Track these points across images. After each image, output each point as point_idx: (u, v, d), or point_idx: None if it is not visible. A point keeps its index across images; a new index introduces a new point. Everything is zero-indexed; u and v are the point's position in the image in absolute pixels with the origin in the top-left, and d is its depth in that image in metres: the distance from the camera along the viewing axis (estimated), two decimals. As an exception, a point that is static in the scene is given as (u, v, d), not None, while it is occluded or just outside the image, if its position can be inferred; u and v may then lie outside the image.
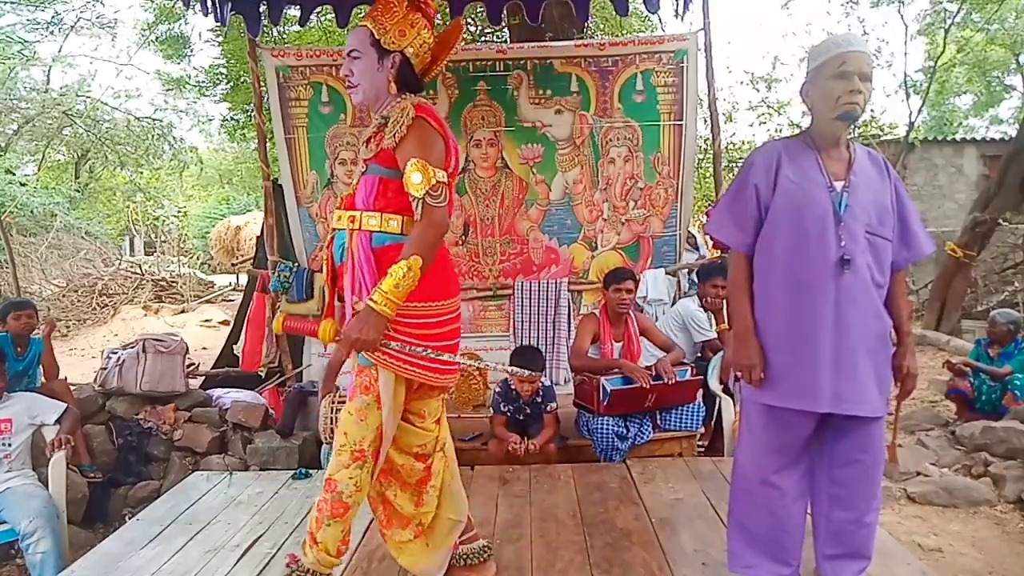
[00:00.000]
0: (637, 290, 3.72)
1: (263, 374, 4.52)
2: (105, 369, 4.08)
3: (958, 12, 12.33)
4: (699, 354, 4.16)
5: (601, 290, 3.68)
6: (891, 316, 1.94)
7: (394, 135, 1.87)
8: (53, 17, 10.97)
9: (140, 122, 13.18)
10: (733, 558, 2.07)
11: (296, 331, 2.16)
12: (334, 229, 2.03)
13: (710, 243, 5.03)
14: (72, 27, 11.95)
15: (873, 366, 1.88)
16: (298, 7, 4.26)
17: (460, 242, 4.72)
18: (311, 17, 4.34)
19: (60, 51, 13.02)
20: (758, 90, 12.79)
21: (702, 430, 3.62)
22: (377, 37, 1.96)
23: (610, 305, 3.56)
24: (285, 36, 8.87)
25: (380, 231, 1.91)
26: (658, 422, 3.49)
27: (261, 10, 4.07)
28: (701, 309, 4.18)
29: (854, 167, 1.93)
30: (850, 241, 1.86)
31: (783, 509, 1.98)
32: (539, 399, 3.41)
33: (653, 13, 5.24)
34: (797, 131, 2.09)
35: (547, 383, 3.48)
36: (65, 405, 3.29)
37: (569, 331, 4.55)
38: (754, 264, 1.98)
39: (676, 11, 4.24)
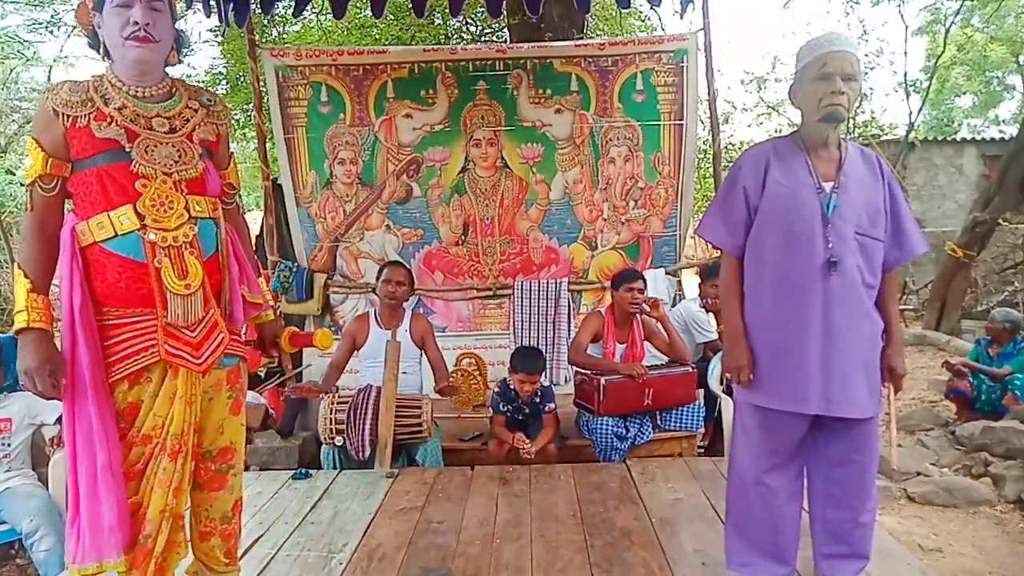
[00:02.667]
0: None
1: (263, 374, 4.52)
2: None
3: (958, 12, 12.34)
4: (700, 355, 4.16)
5: (609, 291, 3.67)
6: (881, 316, 1.93)
7: (224, 124, 1.87)
8: (52, 17, 10.95)
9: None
10: (730, 556, 2.08)
11: (302, 345, 2.09)
12: (193, 218, 1.71)
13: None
14: (73, 27, 11.94)
15: (863, 367, 1.88)
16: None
17: (460, 242, 4.72)
18: (305, 9, 4.31)
19: (61, 51, 13.04)
20: (749, 92, 12.84)
21: (702, 430, 3.62)
22: None
23: (621, 306, 3.53)
24: (284, 36, 8.87)
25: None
26: (658, 422, 3.49)
27: (252, 7, 4.06)
28: (703, 310, 4.18)
29: (844, 167, 1.91)
30: (838, 243, 1.84)
31: (777, 508, 1.99)
32: (538, 399, 3.41)
33: (656, 7, 5.22)
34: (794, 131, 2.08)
35: (546, 383, 3.48)
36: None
37: (569, 331, 4.54)
38: (744, 265, 1.98)
39: (676, 10, 4.25)
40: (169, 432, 1.68)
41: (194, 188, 1.72)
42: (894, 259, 1.95)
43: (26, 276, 1.60)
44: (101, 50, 1.73)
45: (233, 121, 10.72)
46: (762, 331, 1.94)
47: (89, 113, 1.65)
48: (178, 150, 1.71)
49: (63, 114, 1.63)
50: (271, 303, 2.00)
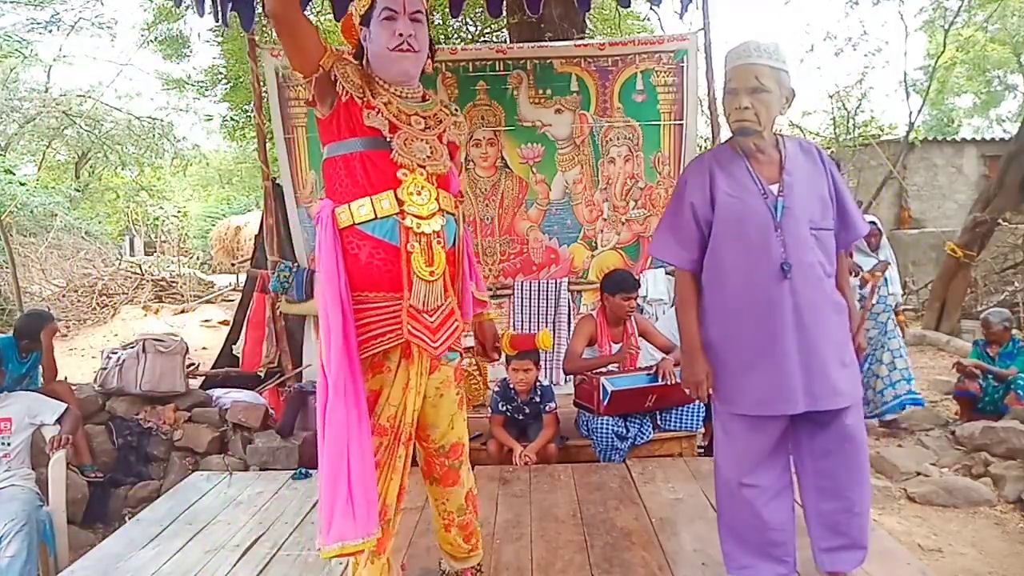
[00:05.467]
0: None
1: (263, 374, 4.52)
2: (105, 369, 4.08)
3: (959, 11, 12.32)
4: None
5: (599, 292, 3.67)
6: None
7: (463, 136, 1.96)
8: (52, 16, 10.95)
9: (141, 122, 13.17)
10: (728, 560, 2.08)
11: (524, 348, 2.14)
12: (443, 211, 1.80)
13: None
14: (72, 27, 11.94)
15: (839, 357, 1.91)
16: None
17: (460, 242, 4.71)
18: (305, 10, 4.31)
19: (61, 51, 13.03)
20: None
21: (702, 430, 3.62)
22: (427, 6, 1.86)
23: (615, 311, 3.52)
24: (285, 36, 8.86)
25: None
26: (658, 422, 3.49)
27: (257, 9, 4.06)
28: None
29: (787, 166, 1.93)
30: (793, 243, 1.87)
31: (765, 508, 1.98)
32: (537, 398, 3.40)
33: (656, 7, 5.23)
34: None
35: (545, 383, 3.48)
36: (65, 405, 3.28)
37: (569, 331, 4.54)
38: (705, 280, 2.01)
39: (676, 10, 4.26)
40: (403, 421, 1.79)
41: (442, 183, 1.83)
42: (845, 241, 2.01)
43: None
44: (364, 60, 1.85)
45: (233, 121, 10.78)
46: (735, 343, 1.95)
47: (361, 98, 1.75)
48: (431, 147, 1.82)
49: (343, 85, 1.73)
50: (491, 302, 2.12)
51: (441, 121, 1.88)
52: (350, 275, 1.71)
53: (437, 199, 1.78)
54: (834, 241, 1.96)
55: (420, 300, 1.73)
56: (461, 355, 1.97)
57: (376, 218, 1.71)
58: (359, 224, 1.71)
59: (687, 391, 2.05)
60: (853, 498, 1.96)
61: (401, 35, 1.75)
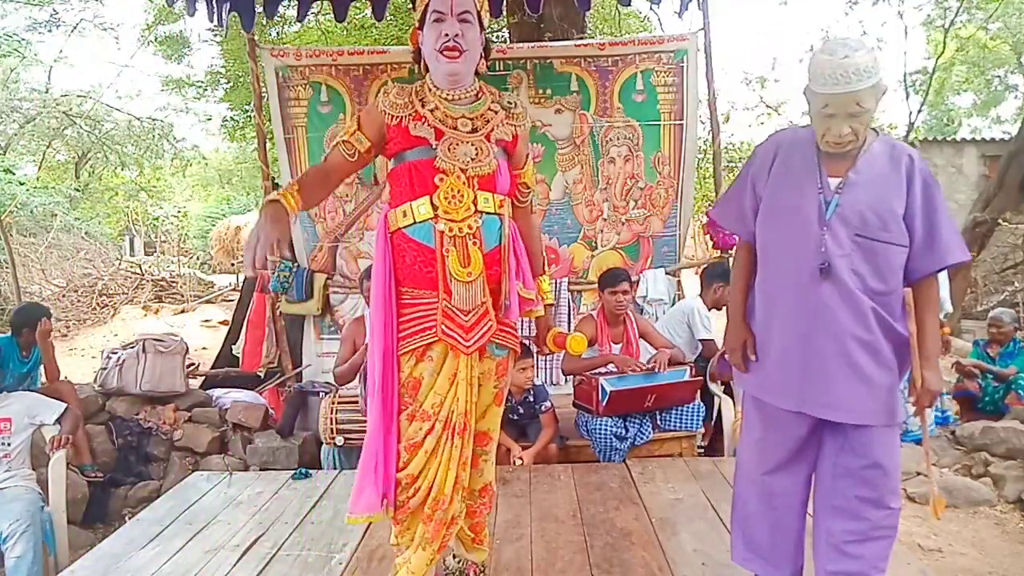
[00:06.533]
0: (636, 290, 3.70)
1: (263, 374, 4.53)
2: (105, 369, 4.08)
3: (959, 10, 12.31)
4: (698, 353, 4.15)
5: (597, 292, 3.67)
6: (918, 325, 1.80)
7: (523, 126, 1.98)
8: (51, 16, 10.96)
9: (141, 122, 13.18)
10: (734, 549, 2.08)
11: (561, 348, 2.11)
12: (479, 212, 1.81)
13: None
14: (74, 27, 11.95)
15: (856, 373, 1.78)
16: (295, 2, 4.25)
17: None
18: (308, 13, 4.32)
19: (61, 52, 13.06)
20: (754, 90, 12.84)
21: (702, 430, 3.62)
22: (479, 8, 1.90)
23: (608, 308, 3.55)
24: (284, 36, 8.86)
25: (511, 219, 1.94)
26: (658, 422, 3.49)
27: (258, 9, 4.06)
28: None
29: (857, 165, 1.80)
30: (833, 245, 1.77)
31: (775, 512, 1.97)
32: (531, 398, 3.40)
33: (656, 6, 5.23)
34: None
35: (538, 382, 3.48)
36: (65, 405, 3.28)
37: (569, 331, 4.54)
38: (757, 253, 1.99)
39: (676, 10, 4.25)
40: (454, 411, 1.82)
41: (484, 184, 1.84)
42: (926, 265, 1.79)
43: (296, 183, 1.75)
44: (420, 64, 1.92)
45: (233, 121, 10.78)
46: (759, 320, 1.95)
47: (409, 114, 1.84)
48: (476, 148, 1.84)
49: (388, 113, 1.84)
50: (544, 300, 2.11)
51: (488, 121, 1.90)
52: (400, 274, 1.83)
53: (474, 201, 1.80)
54: (893, 257, 1.77)
55: (457, 301, 1.79)
56: (512, 351, 1.99)
57: (415, 222, 1.79)
58: (403, 228, 1.81)
59: (725, 356, 2.06)
60: (872, 523, 1.84)
61: (447, 35, 1.80)
